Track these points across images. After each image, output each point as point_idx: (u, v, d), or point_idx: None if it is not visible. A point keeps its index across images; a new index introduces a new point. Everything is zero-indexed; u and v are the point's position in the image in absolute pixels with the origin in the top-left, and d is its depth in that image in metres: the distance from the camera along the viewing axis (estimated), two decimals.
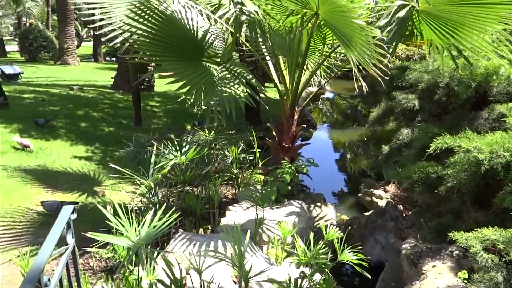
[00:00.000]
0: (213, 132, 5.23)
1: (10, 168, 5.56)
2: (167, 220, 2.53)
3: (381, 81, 3.56)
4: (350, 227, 5.06)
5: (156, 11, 4.39)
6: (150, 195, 3.60)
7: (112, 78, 14.75)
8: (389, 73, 4.18)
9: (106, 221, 2.56)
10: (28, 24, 28.51)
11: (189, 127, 9.13)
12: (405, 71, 5.25)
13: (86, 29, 32.54)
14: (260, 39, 4.88)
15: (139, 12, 4.32)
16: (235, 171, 5.36)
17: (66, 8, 19.11)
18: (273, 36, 4.75)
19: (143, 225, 2.50)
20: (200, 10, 4.96)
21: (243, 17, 4.00)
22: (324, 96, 17.14)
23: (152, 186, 3.56)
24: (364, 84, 3.56)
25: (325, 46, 5.30)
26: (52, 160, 6.12)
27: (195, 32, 4.70)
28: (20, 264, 3.09)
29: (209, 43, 4.75)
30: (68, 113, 8.89)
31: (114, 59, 25.76)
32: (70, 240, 2.34)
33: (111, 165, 3.63)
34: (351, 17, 3.56)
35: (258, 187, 5.60)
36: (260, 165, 5.86)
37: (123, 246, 2.52)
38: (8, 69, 13.08)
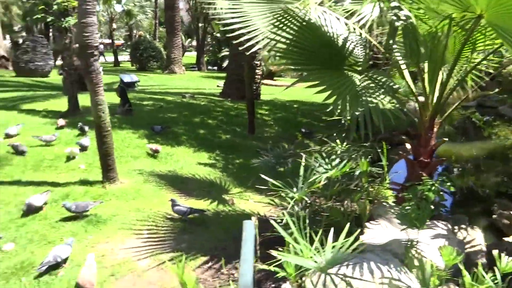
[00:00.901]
0: (345, 143, 4.99)
1: (145, 173, 5.82)
2: (355, 240, 2.34)
3: None
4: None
5: (298, 19, 4.29)
6: (298, 209, 3.46)
7: (218, 86, 15.22)
8: None
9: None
10: (137, 35, 30.83)
11: (300, 136, 8.99)
12: None
13: (189, 39, 34.32)
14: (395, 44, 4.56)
15: (283, 20, 4.25)
16: (366, 185, 5.05)
17: (174, 20, 20.40)
18: (422, 42, 4.39)
19: (324, 244, 2.33)
20: (338, 17, 4.77)
21: (399, 23, 3.73)
22: None
23: (306, 199, 3.42)
24: None
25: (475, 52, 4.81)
26: (180, 166, 6.32)
27: (336, 40, 4.51)
28: (177, 272, 3.07)
29: (349, 51, 4.54)
30: (185, 120, 9.23)
31: (215, 67, 26.80)
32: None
33: (264, 177, 3.53)
34: None
35: (391, 203, 5.26)
36: (388, 180, 5.50)
37: (296, 267, 2.38)
38: (126, 78, 14.07)
